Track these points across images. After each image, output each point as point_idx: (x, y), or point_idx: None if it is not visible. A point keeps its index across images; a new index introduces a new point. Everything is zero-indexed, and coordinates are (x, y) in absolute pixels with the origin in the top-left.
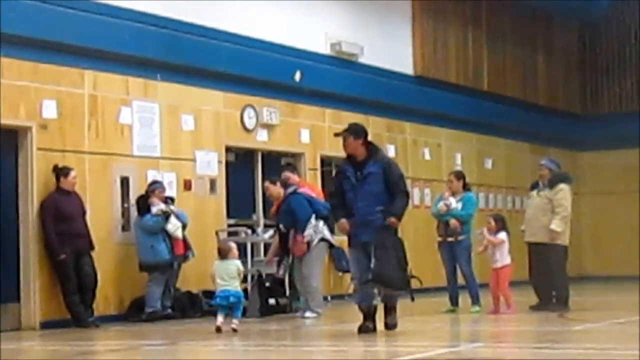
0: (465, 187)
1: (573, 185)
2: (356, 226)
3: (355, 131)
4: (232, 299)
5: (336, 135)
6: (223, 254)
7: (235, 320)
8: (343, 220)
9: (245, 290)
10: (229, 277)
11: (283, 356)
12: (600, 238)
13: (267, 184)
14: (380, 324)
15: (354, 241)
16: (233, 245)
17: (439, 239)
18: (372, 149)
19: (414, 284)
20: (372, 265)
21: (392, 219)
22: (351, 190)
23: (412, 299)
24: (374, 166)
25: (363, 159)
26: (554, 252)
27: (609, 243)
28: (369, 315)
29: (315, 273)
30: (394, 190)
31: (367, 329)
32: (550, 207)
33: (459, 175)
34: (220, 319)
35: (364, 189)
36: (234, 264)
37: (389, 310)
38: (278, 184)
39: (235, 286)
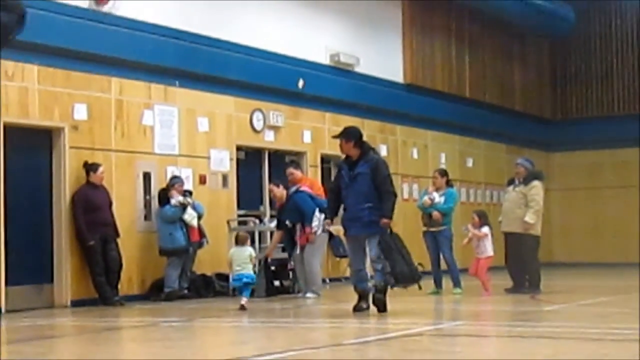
0: (448, 183)
1: (545, 182)
2: (348, 220)
3: (347, 134)
4: (244, 280)
5: (334, 137)
6: (241, 241)
7: (244, 299)
8: (327, 221)
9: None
10: (243, 262)
11: (286, 332)
12: (567, 229)
13: (271, 186)
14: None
15: (347, 234)
16: (248, 235)
17: (424, 228)
18: (364, 150)
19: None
20: (389, 269)
21: (385, 220)
22: (345, 188)
23: (420, 287)
24: (363, 166)
25: (356, 159)
26: (527, 241)
27: (576, 233)
28: (363, 296)
29: (317, 259)
30: (379, 190)
31: (361, 308)
32: (524, 201)
33: (443, 173)
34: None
35: (353, 188)
36: (249, 251)
37: (379, 290)
38: (281, 186)
39: (249, 270)
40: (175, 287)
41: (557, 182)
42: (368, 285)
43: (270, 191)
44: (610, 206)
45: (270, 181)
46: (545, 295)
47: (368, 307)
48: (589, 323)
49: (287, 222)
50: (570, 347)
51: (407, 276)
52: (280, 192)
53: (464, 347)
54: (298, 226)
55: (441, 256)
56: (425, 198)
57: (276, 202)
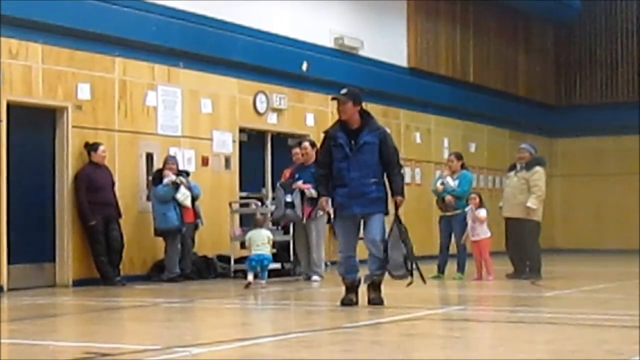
0: (463, 166)
1: (547, 168)
2: (348, 197)
3: (354, 96)
4: (265, 262)
5: (333, 99)
6: (259, 224)
7: (263, 281)
8: (323, 199)
9: None
10: (262, 243)
11: (286, 314)
12: (569, 215)
13: (306, 144)
14: (364, 298)
15: (345, 212)
16: (264, 218)
17: (440, 213)
18: (366, 117)
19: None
20: (385, 257)
21: (401, 198)
22: (344, 160)
23: (408, 284)
24: (369, 135)
25: (357, 127)
26: (529, 226)
27: (577, 220)
28: (351, 288)
29: (322, 242)
30: (388, 163)
31: (349, 301)
32: (526, 186)
33: (459, 156)
34: (250, 277)
35: (358, 159)
36: (266, 233)
37: (375, 286)
38: (315, 148)
39: (267, 251)
40: (177, 271)
41: (559, 168)
42: (358, 276)
43: (304, 148)
44: (613, 193)
45: (272, 163)
46: (545, 281)
47: (357, 302)
48: (589, 309)
49: (301, 182)
50: (570, 332)
51: (402, 271)
52: (312, 153)
53: (463, 332)
54: (307, 192)
55: (452, 241)
56: (438, 183)
57: (299, 161)
